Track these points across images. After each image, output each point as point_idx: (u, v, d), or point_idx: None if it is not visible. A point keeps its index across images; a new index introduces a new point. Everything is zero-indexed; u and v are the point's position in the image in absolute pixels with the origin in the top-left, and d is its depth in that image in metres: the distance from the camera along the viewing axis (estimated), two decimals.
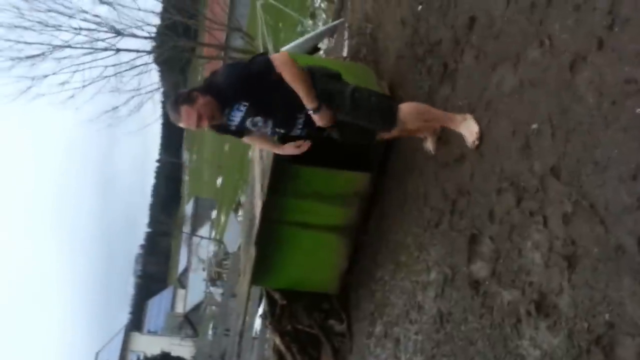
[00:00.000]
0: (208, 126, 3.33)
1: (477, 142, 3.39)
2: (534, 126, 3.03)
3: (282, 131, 3.52)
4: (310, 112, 3.27)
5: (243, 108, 3.25)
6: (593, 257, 2.38)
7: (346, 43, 7.96)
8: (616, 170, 2.38)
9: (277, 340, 5.84)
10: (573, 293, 2.43)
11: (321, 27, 8.12)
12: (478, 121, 3.47)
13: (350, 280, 5.29)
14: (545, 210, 2.73)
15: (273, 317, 5.76)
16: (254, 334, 9.17)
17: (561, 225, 2.60)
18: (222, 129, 3.50)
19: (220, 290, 21.58)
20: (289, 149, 3.55)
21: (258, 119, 3.33)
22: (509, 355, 2.72)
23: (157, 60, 23.08)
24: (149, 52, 21.44)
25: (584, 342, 2.31)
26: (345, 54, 7.77)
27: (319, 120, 3.30)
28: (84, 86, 18.93)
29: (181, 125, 3.28)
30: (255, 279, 5.32)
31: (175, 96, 3.23)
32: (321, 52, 8.58)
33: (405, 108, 3.53)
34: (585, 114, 2.64)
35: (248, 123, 3.35)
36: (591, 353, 2.26)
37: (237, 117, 3.30)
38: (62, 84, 18.49)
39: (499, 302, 2.91)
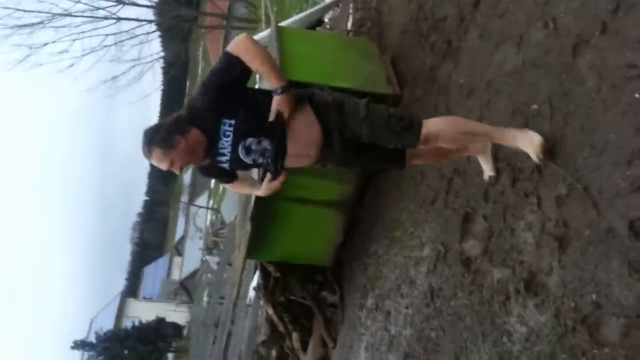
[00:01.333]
0: (186, 170, 2.74)
1: (542, 156, 2.70)
2: (534, 107, 3.04)
3: (282, 152, 2.66)
4: (275, 93, 2.57)
5: (229, 131, 2.56)
6: (584, 239, 2.41)
7: (351, 16, 7.91)
8: (612, 155, 2.40)
9: (270, 311, 5.91)
10: (562, 273, 2.47)
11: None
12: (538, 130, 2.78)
13: (344, 253, 5.35)
14: (539, 192, 2.76)
15: (266, 288, 5.82)
16: (248, 302, 9.27)
17: (554, 207, 2.63)
18: (209, 169, 2.85)
19: (216, 259, 21.71)
20: (269, 186, 2.76)
21: (250, 140, 2.59)
22: (497, 331, 2.76)
23: (160, 28, 22.89)
24: (150, 21, 21.24)
25: (570, 320, 2.35)
26: (349, 26, 7.72)
27: (280, 103, 2.56)
28: (83, 55, 18.75)
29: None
30: (250, 253, 5.37)
31: (152, 131, 2.57)
32: (326, 24, 8.52)
33: (437, 122, 2.72)
34: (585, 97, 2.65)
35: (240, 152, 2.60)
36: (577, 332, 2.30)
37: (226, 146, 2.60)
38: (61, 52, 18.32)
39: (489, 279, 2.95)
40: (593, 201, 2.41)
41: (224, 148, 2.61)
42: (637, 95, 2.35)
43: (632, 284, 2.12)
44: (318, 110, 2.65)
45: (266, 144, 2.59)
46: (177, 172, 2.64)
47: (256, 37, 7.32)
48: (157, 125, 2.61)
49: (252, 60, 2.50)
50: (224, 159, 2.65)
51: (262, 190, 2.80)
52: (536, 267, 2.64)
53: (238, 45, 2.50)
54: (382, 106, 2.71)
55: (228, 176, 2.89)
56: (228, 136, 2.57)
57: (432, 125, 2.66)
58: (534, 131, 2.73)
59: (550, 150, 2.71)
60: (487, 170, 3.21)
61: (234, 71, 2.50)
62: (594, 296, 2.27)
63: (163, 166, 2.57)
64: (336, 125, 2.65)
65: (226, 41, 25.44)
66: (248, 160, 2.62)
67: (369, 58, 5.41)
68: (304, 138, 2.65)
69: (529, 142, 2.72)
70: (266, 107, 2.57)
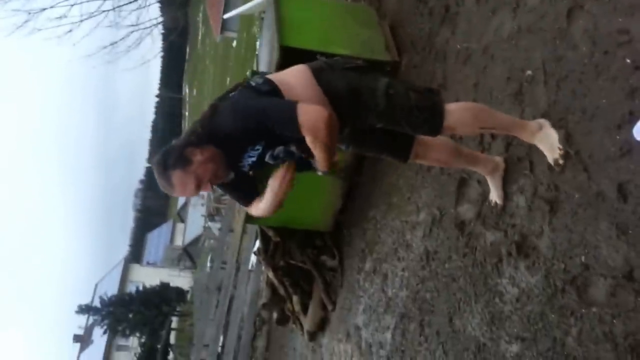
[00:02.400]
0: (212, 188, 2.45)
1: (561, 161, 2.56)
2: (528, 73, 3.06)
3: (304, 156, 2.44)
4: (316, 169, 2.38)
5: (259, 148, 2.35)
6: (574, 202, 2.46)
7: None
8: (603, 120, 2.44)
9: (271, 275, 6.01)
10: (553, 236, 2.53)
11: None
12: (557, 127, 2.63)
13: (343, 218, 5.42)
14: (532, 156, 2.81)
15: (267, 253, 5.91)
16: (250, 267, 9.40)
17: (546, 171, 2.68)
18: (228, 188, 2.60)
19: (218, 225, 21.87)
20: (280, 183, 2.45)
21: (279, 149, 2.35)
22: (489, 292, 2.84)
23: None
24: None
25: (559, 281, 2.42)
26: None
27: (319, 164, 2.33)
28: (81, 21, 18.61)
29: (175, 195, 2.48)
30: (250, 218, 5.43)
31: (163, 156, 2.27)
32: None
33: (457, 108, 2.51)
34: (578, 63, 2.68)
35: (268, 158, 2.38)
36: (566, 292, 2.38)
37: (252, 158, 2.39)
38: (60, 18, 18.18)
39: (482, 242, 3.02)
40: (584, 165, 2.46)
41: (249, 159, 2.39)
42: (628, 61, 2.38)
43: (619, 246, 2.18)
44: (329, 96, 2.37)
45: (293, 148, 2.36)
46: (208, 189, 2.36)
47: (252, 2, 7.25)
48: (166, 150, 2.29)
49: (313, 142, 2.19)
50: (245, 165, 2.42)
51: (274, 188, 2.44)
52: (527, 230, 2.70)
53: (314, 123, 2.14)
54: (403, 94, 2.41)
55: (248, 198, 2.58)
56: (257, 150, 2.35)
57: (453, 117, 2.45)
58: (553, 129, 2.61)
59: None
60: (495, 197, 2.97)
61: (286, 130, 2.20)
62: (582, 258, 2.34)
63: (190, 189, 2.26)
64: (348, 113, 2.39)
65: (227, 6, 25.16)
66: (275, 162, 2.41)
67: (367, 24, 5.38)
68: None
69: (549, 145, 2.60)
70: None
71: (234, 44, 26.87)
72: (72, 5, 18.44)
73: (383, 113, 2.40)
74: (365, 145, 2.70)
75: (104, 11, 19.30)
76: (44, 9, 17.99)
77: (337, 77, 2.40)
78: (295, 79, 2.38)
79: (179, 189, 2.27)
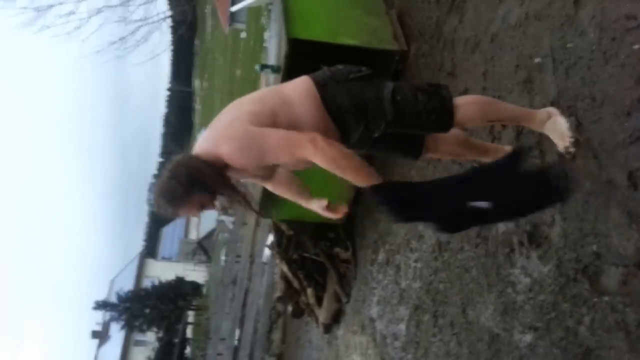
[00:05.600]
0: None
1: (572, 149, 2.53)
2: (537, 60, 3.04)
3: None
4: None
5: None
6: (584, 190, 2.45)
7: None
8: (612, 106, 2.42)
9: (285, 268, 6.04)
10: (564, 225, 2.52)
11: None
12: (567, 115, 2.61)
13: (355, 210, 5.42)
14: (542, 145, 2.79)
15: (280, 246, 5.93)
16: (264, 260, 9.44)
17: (557, 159, 2.66)
18: None
19: (231, 219, 21.97)
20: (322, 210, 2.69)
21: None
22: (501, 282, 2.84)
23: None
24: None
25: (571, 271, 2.42)
26: None
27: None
28: (89, 17, 18.64)
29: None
30: (263, 212, 5.45)
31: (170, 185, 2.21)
32: None
33: (464, 102, 2.51)
34: (586, 49, 2.65)
35: None
36: (578, 281, 2.37)
37: None
38: (68, 14, 18.23)
39: (493, 232, 3.01)
40: (594, 153, 2.45)
41: None
42: (636, 47, 2.36)
43: (630, 234, 2.17)
44: (332, 113, 2.33)
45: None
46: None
47: None
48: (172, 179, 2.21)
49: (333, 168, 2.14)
50: None
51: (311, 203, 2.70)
52: (539, 219, 2.69)
53: (329, 156, 2.11)
54: (410, 98, 2.38)
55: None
56: None
57: (461, 112, 2.44)
58: (563, 117, 2.57)
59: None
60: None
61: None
62: (594, 247, 2.33)
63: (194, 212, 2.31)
64: (356, 129, 2.37)
65: None
66: None
67: (375, 13, 5.36)
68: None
69: (559, 133, 2.56)
70: None
71: (243, 35, 26.83)
72: (79, 1, 18.47)
73: (392, 121, 2.38)
74: (374, 147, 2.63)
75: (111, 6, 19.31)
76: (52, 6, 18.05)
77: (341, 91, 2.36)
78: (296, 96, 2.33)
79: (184, 212, 2.31)
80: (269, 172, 2.40)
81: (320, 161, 2.11)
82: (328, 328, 5.67)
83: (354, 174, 2.15)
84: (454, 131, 2.70)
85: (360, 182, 2.16)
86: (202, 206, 2.26)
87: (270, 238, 7.05)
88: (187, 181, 2.16)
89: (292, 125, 2.23)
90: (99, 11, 18.89)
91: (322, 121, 2.31)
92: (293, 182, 2.70)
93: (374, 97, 2.37)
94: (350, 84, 2.39)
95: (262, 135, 2.16)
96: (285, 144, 2.14)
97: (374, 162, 5.16)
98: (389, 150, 2.71)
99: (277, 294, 6.74)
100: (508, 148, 2.96)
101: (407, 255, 4.02)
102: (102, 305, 36.46)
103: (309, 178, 5.22)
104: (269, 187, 2.69)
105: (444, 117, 2.42)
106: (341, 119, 2.34)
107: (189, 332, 29.32)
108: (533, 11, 3.19)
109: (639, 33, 2.36)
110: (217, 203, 2.31)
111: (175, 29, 32.11)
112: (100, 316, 40.15)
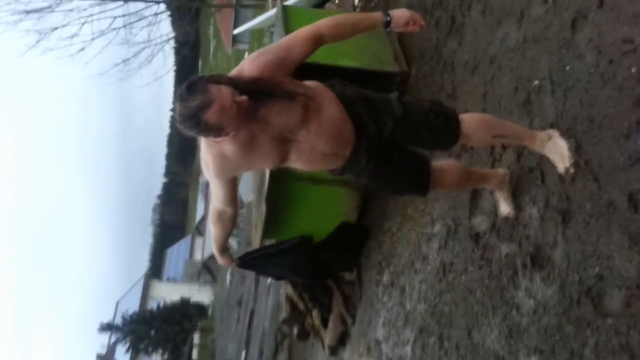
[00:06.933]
0: None
1: (572, 170, 2.57)
2: (536, 83, 3.08)
3: None
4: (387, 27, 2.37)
5: None
6: (586, 212, 2.47)
7: None
8: (611, 129, 2.44)
9: (290, 290, 6.03)
10: (566, 247, 2.53)
11: None
12: (566, 137, 2.64)
13: None
14: (542, 167, 2.81)
15: None
16: (269, 281, 9.42)
17: (557, 181, 2.68)
18: None
19: (236, 239, 21.97)
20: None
21: None
22: (506, 304, 2.84)
23: (169, 8, 22.79)
24: (157, 2, 21.20)
25: (575, 293, 2.42)
26: (356, 2, 7.70)
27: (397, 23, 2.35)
28: (93, 39, 18.76)
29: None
30: (267, 234, 5.46)
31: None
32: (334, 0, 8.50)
33: (468, 116, 2.58)
34: (584, 72, 2.69)
35: None
36: (581, 303, 2.37)
37: None
38: (71, 37, 18.35)
39: (497, 254, 3.02)
40: (594, 175, 2.47)
41: None
42: (633, 70, 2.39)
43: (632, 256, 2.18)
44: (344, 102, 2.38)
45: None
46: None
47: (262, 17, 7.33)
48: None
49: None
50: None
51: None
52: (541, 241, 2.70)
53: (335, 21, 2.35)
54: (416, 101, 2.49)
55: None
56: None
57: (466, 124, 2.50)
58: (564, 138, 2.62)
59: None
60: (506, 210, 2.99)
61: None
62: (596, 269, 2.34)
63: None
64: (367, 124, 2.39)
65: (236, 19, 25.37)
66: None
67: (375, 35, 5.40)
68: (342, 135, 2.36)
69: (559, 154, 2.61)
70: None
71: (246, 55, 27.07)
72: (82, 24, 18.57)
73: (400, 118, 2.39)
74: (383, 175, 2.60)
75: (114, 29, 19.42)
76: (56, 28, 18.17)
77: (349, 89, 2.44)
78: (315, 85, 2.40)
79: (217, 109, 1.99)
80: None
81: (328, 22, 2.34)
82: (334, 350, 5.64)
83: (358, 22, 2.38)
84: (453, 162, 2.80)
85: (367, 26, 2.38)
86: (235, 87, 2.06)
87: None
88: (227, 78, 2.11)
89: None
90: (102, 33, 19.03)
91: (340, 110, 2.35)
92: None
93: (381, 97, 2.45)
94: (356, 87, 2.49)
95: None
96: (293, 35, 2.34)
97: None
98: (397, 182, 2.67)
99: (283, 315, 6.72)
100: (502, 171, 2.97)
101: (411, 276, 4.03)
102: (107, 327, 36.36)
103: (313, 200, 5.25)
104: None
105: (451, 121, 2.47)
106: (354, 110, 2.38)
107: (195, 354, 29.16)
108: (531, 34, 3.23)
109: (636, 56, 2.40)
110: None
111: (178, 50, 32.34)
112: (105, 338, 40.02)
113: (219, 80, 2.06)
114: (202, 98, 1.98)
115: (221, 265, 2.90)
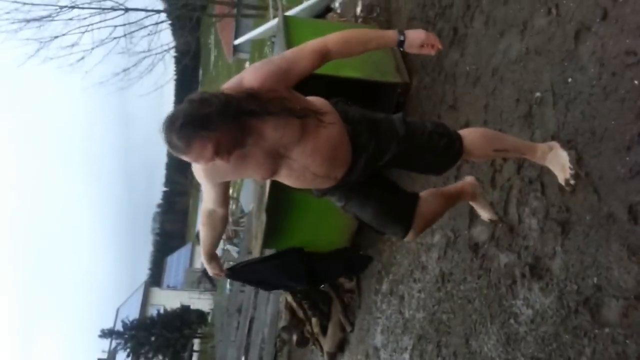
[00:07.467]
0: None
1: (572, 182, 2.58)
2: (537, 94, 3.10)
3: None
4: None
5: None
6: (585, 224, 2.48)
7: (360, 2, 7.93)
8: (612, 141, 2.46)
9: (289, 298, 6.04)
10: (565, 257, 2.55)
11: None
12: (567, 149, 2.64)
13: (359, 240, 5.44)
14: (543, 178, 2.83)
15: None
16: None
17: (557, 192, 2.70)
18: None
19: (237, 248, 21.96)
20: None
21: None
22: (504, 313, 2.85)
23: (169, 17, 22.89)
24: (158, 11, 21.28)
25: (573, 302, 2.43)
26: (358, 13, 7.75)
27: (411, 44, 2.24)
28: (93, 48, 18.81)
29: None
30: (267, 243, 5.47)
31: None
32: (336, 9, 8.54)
33: (469, 132, 2.54)
34: (586, 84, 2.71)
35: None
36: (579, 313, 2.38)
37: None
38: (71, 46, 18.40)
39: (496, 264, 3.03)
40: (594, 187, 2.48)
41: None
42: (636, 82, 2.41)
43: (630, 267, 2.20)
44: (347, 122, 2.30)
45: None
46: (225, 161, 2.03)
47: (263, 27, 7.36)
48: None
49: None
50: None
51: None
52: (540, 252, 2.72)
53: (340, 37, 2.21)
54: (419, 122, 2.43)
55: None
56: None
57: (468, 140, 2.46)
58: (564, 150, 2.61)
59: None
60: (487, 216, 3.04)
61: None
62: (595, 279, 2.35)
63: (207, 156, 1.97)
64: (367, 146, 2.32)
65: (237, 29, 25.44)
66: None
67: (384, 71, 5.41)
68: (337, 158, 2.28)
69: (560, 166, 2.61)
70: None
71: (247, 65, 27.17)
72: (83, 33, 18.62)
73: (404, 139, 2.34)
74: (367, 205, 2.55)
75: (115, 38, 19.47)
76: (56, 37, 18.20)
77: (352, 109, 2.38)
78: (316, 99, 2.34)
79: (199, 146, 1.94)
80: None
81: (336, 38, 2.21)
82: (333, 357, 5.64)
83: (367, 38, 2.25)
84: (428, 192, 2.73)
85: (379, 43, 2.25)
86: (219, 148, 1.95)
87: None
88: (223, 101, 1.96)
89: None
90: (102, 42, 19.09)
91: (340, 132, 2.27)
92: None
93: (385, 117, 2.39)
94: (359, 107, 2.41)
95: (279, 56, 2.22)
96: (299, 48, 2.20)
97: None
98: (379, 213, 2.57)
99: (282, 323, 6.72)
100: (468, 181, 2.94)
101: (410, 285, 4.04)
102: (108, 333, 36.34)
103: (313, 210, 5.27)
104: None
105: (455, 142, 2.42)
106: (355, 130, 2.30)
107: None
108: (533, 46, 3.26)
109: (639, 68, 2.41)
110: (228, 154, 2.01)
111: (178, 60, 32.41)
112: (106, 344, 39.92)
113: (210, 123, 1.91)
114: (185, 145, 1.92)
115: (211, 275, 2.81)
